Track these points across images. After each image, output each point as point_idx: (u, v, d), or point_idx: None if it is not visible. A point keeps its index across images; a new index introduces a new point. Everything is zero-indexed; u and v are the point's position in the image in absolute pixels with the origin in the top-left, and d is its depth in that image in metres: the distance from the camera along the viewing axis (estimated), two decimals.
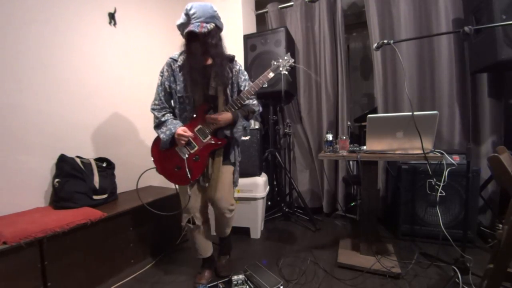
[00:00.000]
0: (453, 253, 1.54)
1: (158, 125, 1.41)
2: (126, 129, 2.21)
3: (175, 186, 1.48)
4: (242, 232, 2.13)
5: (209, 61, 1.38)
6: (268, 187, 2.29)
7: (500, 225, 0.99)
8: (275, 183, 2.65)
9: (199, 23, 1.25)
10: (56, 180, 1.58)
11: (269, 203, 2.62)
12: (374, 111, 2.43)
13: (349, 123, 2.47)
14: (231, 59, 1.45)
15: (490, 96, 1.96)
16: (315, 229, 2.24)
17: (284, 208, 2.51)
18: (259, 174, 2.19)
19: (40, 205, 1.61)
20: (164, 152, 1.41)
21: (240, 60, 2.48)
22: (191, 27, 1.24)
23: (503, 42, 1.57)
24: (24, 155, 1.53)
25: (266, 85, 2.33)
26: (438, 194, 1.50)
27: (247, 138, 2.19)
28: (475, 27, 1.43)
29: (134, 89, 2.26)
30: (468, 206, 1.44)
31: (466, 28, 1.34)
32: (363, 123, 2.57)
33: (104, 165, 1.86)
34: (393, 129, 1.47)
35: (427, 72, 2.21)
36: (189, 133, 1.34)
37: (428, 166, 1.47)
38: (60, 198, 1.56)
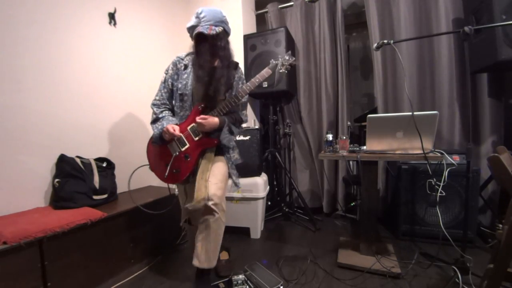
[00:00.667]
0: (453, 253, 1.54)
1: (155, 120, 1.43)
2: (126, 129, 2.21)
3: (174, 186, 1.49)
4: (242, 232, 2.14)
5: (216, 63, 1.40)
6: (268, 187, 2.29)
7: (500, 225, 0.98)
8: (275, 183, 2.65)
9: (208, 26, 1.30)
10: (56, 180, 1.58)
11: (269, 203, 2.62)
12: (374, 111, 2.43)
13: (349, 123, 2.47)
14: (236, 65, 1.49)
15: (490, 96, 1.96)
16: (315, 229, 2.24)
17: (284, 208, 2.51)
18: (259, 174, 2.19)
19: (40, 205, 1.61)
20: (158, 149, 1.43)
21: (240, 60, 2.50)
22: (200, 29, 1.29)
23: (503, 42, 1.57)
24: (24, 155, 1.53)
25: (266, 85, 2.36)
26: (438, 194, 1.50)
27: (247, 138, 2.19)
28: (475, 27, 1.43)
29: (134, 89, 2.26)
30: (468, 206, 1.44)
31: (466, 28, 1.34)
32: (363, 123, 2.57)
33: (104, 165, 1.86)
34: (393, 129, 1.48)
35: (427, 72, 2.21)
36: (175, 132, 1.32)
37: (428, 166, 1.47)
38: (60, 198, 1.56)
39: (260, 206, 2.12)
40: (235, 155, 1.53)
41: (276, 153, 2.50)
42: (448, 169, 1.50)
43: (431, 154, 1.42)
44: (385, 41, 1.58)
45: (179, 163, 1.38)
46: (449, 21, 2.08)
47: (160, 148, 1.42)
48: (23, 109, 1.53)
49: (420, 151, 1.41)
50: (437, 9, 2.12)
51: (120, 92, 2.15)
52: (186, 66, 1.42)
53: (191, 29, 1.36)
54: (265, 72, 1.38)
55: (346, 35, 2.74)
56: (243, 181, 2.06)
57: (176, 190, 1.45)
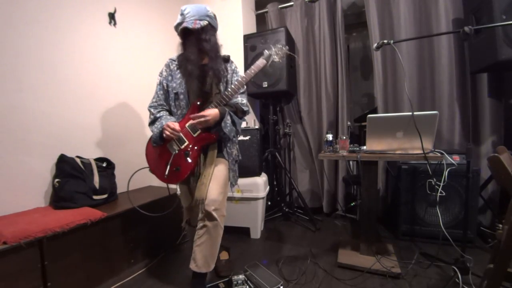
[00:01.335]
0: (453, 253, 1.54)
1: (153, 121, 1.43)
2: (126, 129, 2.21)
3: (175, 186, 1.48)
4: (242, 232, 2.14)
5: (206, 60, 1.39)
6: (268, 187, 2.29)
7: (500, 225, 0.98)
8: (275, 183, 2.65)
9: (192, 20, 1.30)
10: (56, 180, 1.58)
11: (269, 203, 2.62)
12: (374, 111, 2.43)
13: (349, 123, 2.47)
14: (227, 59, 1.48)
15: (490, 96, 1.96)
16: (315, 229, 2.24)
17: (284, 208, 2.51)
18: (259, 174, 2.19)
19: (40, 205, 1.61)
20: (157, 150, 1.43)
21: (240, 60, 2.51)
22: (184, 24, 1.30)
23: (503, 42, 1.56)
24: (24, 155, 1.53)
25: (266, 85, 2.36)
26: (438, 194, 1.50)
27: (247, 138, 2.19)
28: (475, 27, 1.43)
29: (134, 89, 2.26)
30: (468, 206, 1.44)
31: (466, 28, 1.34)
32: (363, 123, 2.57)
33: (104, 165, 1.86)
34: (393, 129, 1.47)
35: (427, 72, 2.21)
36: (175, 127, 1.31)
37: (428, 166, 1.47)
38: (60, 198, 1.56)
39: (260, 206, 2.12)
40: (234, 150, 1.51)
41: (276, 153, 2.50)
42: (448, 169, 1.50)
43: (431, 154, 1.42)
44: (385, 41, 1.57)
45: (179, 161, 1.37)
46: (449, 21, 2.08)
47: (160, 148, 1.42)
48: (23, 109, 1.53)
49: (420, 151, 1.41)
50: (437, 9, 2.12)
51: (120, 92, 2.15)
52: (179, 66, 1.43)
53: (177, 27, 1.37)
54: (260, 62, 1.37)
55: (346, 35, 2.74)
56: (243, 181, 2.07)
57: (178, 190, 1.45)
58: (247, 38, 2.50)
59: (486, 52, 1.67)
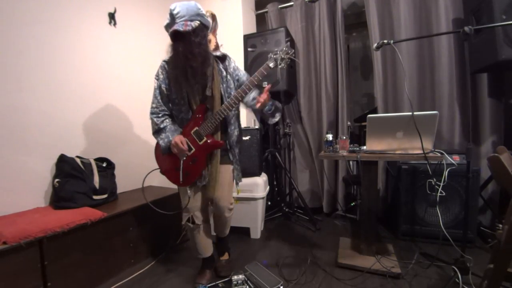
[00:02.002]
0: (453, 253, 1.54)
1: (157, 131, 1.40)
2: (126, 129, 2.21)
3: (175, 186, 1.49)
4: (242, 232, 2.14)
5: (197, 62, 1.34)
6: (268, 187, 2.29)
7: (500, 225, 0.98)
8: (275, 183, 2.65)
9: (183, 22, 1.23)
10: (56, 180, 1.58)
11: (269, 203, 2.62)
12: (374, 111, 2.43)
13: (349, 123, 2.47)
14: (223, 57, 1.44)
15: (490, 96, 1.96)
16: (315, 229, 2.24)
17: (284, 208, 2.51)
18: (259, 174, 2.19)
19: (40, 205, 1.61)
20: (167, 155, 1.42)
21: (240, 60, 2.50)
22: (175, 27, 1.23)
23: (503, 42, 1.56)
24: (24, 155, 1.53)
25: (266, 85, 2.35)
26: (438, 194, 1.50)
27: (247, 138, 2.19)
28: (475, 27, 1.43)
29: (134, 89, 2.27)
30: (468, 206, 1.44)
31: (466, 28, 1.34)
32: (363, 123, 2.57)
33: (104, 165, 1.86)
34: (393, 129, 1.47)
35: (427, 72, 2.21)
36: (183, 146, 1.32)
37: (428, 166, 1.47)
38: (60, 198, 1.56)
39: (260, 206, 2.12)
40: (237, 150, 1.54)
41: (276, 153, 2.50)
42: (448, 169, 1.50)
43: (431, 154, 1.42)
44: (385, 41, 1.57)
45: (188, 167, 1.39)
46: (449, 21, 2.08)
47: (169, 154, 1.41)
48: (23, 109, 1.53)
49: (420, 151, 1.41)
50: (437, 9, 2.12)
51: (120, 92, 2.15)
52: (172, 74, 1.36)
53: (167, 28, 1.30)
54: (264, 69, 1.32)
55: (346, 35, 2.74)
56: (243, 181, 2.05)
57: (188, 191, 1.46)
58: (247, 38, 2.50)
59: (486, 52, 1.67)
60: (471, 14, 1.82)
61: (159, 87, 1.41)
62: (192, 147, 1.38)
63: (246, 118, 2.61)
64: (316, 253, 1.81)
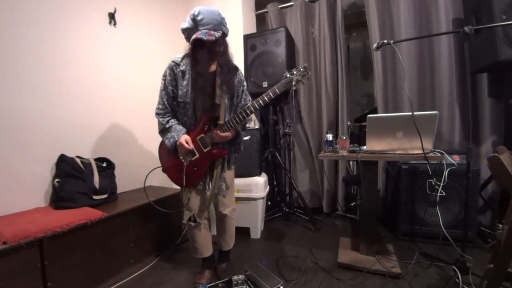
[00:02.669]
0: (453, 253, 1.54)
1: (163, 131, 1.42)
2: (126, 129, 2.21)
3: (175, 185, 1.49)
4: (242, 232, 2.13)
5: (213, 68, 1.37)
6: (268, 187, 2.29)
7: (500, 225, 0.98)
8: (275, 183, 2.65)
9: (206, 31, 1.23)
10: (56, 180, 1.58)
11: (269, 203, 2.62)
12: (374, 111, 2.43)
13: (349, 123, 2.47)
14: (236, 69, 1.45)
15: (490, 96, 1.96)
16: (315, 229, 2.24)
17: (284, 208, 2.51)
18: (259, 174, 2.19)
19: (40, 205, 1.61)
20: (171, 155, 1.44)
21: (240, 60, 2.50)
22: (198, 35, 1.22)
23: (503, 42, 1.56)
24: (24, 155, 1.53)
25: (266, 85, 2.35)
26: (438, 194, 1.50)
27: (247, 138, 2.19)
28: (475, 27, 1.43)
29: (134, 89, 2.27)
30: (468, 206, 1.44)
31: (466, 28, 1.34)
32: (363, 123, 2.57)
33: (104, 165, 1.86)
34: (393, 129, 1.48)
35: (427, 72, 2.21)
36: (190, 146, 1.34)
37: (428, 166, 1.47)
38: (60, 198, 1.56)
39: (260, 206, 2.12)
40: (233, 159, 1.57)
41: (276, 153, 2.50)
42: (448, 169, 1.50)
43: (431, 154, 1.42)
44: (385, 41, 1.57)
45: (190, 171, 1.40)
46: (449, 21, 2.08)
47: (174, 155, 1.43)
48: (23, 109, 1.53)
49: (420, 151, 1.41)
50: (437, 9, 2.12)
51: (120, 92, 2.15)
52: (184, 72, 1.34)
53: (186, 31, 1.29)
54: (278, 88, 1.31)
55: (346, 35, 2.74)
56: (243, 181, 2.07)
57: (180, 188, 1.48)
58: (247, 38, 2.50)
59: (486, 52, 1.67)
60: (471, 14, 1.82)
61: (166, 88, 1.39)
62: (197, 153, 1.39)
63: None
64: (316, 253, 1.81)
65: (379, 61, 2.32)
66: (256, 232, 2.13)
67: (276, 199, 2.66)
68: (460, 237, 1.49)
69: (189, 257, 1.80)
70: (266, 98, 1.31)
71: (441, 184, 1.48)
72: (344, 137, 1.65)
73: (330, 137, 1.77)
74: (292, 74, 1.31)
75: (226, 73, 1.33)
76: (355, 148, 1.71)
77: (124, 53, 2.18)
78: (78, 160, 1.69)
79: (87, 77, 1.89)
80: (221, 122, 1.37)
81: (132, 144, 2.24)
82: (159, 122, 1.42)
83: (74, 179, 1.61)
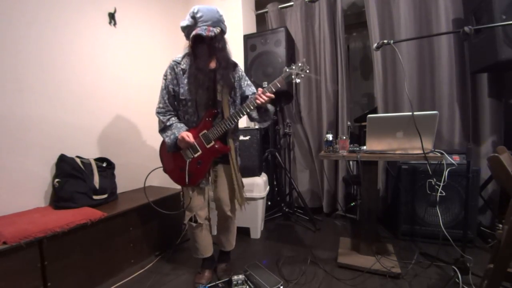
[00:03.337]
0: (453, 253, 1.54)
1: (163, 129, 1.42)
2: (126, 129, 2.21)
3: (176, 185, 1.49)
4: (242, 232, 2.13)
5: (213, 65, 1.37)
6: (268, 187, 2.29)
7: (500, 225, 0.99)
8: (275, 183, 2.65)
9: (206, 27, 1.26)
10: (56, 180, 1.58)
11: (269, 203, 2.62)
12: (374, 111, 2.43)
13: (349, 123, 2.47)
14: (235, 65, 1.46)
15: (490, 96, 1.96)
16: (315, 229, 2.24)
17: (284, 208, 2.51)
18: (259, 174, 2.19)
19: (40, 205, 1.61)
20: (171, 154, 1.44)
21: (240, 60, 2.50)
22: (198, 31, 1.25)
23: (503, 42, 1.56)
24: (24, 155, 1.53)
25: (266, 85, 2.35)
26: (438, 194, 1.50)
27: (247, 138, 2.19)
28: (475, 27, 1.43)
29: (134, 89, 2.26)
30: (468, 206, 1.44)
31: (466, 28, 1.34)
32: (363, 123, 2.57)
33: (104, 165, 1.86)
34: (393, 129, 1.48)
35: (427, 72, 2.21)
36: (190, 140, 1.33)
37: (428, 166, 1.47)
38: (60, 198, 1.56)
39: (260, 206, 2.12)
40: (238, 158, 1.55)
41: (276, 153, 2.50)
42: (448, 169, 1.50)
43: (431, 154, 1.42)
44: (385, 41, 1.57)
45: (193, 168, 1.40)
46: (449, 21, 2.08)
47: (173, 153, 1.42)
48: (23, 109, 1.53)
49: (420, 151, 1.41)
50: (437, 9, 2.12)
51: (120, 92, 2.15)
52: (185, 71, 1.37)
53: (186, 29, 1.32)
54: (279, 81, 1.31)
55: (346, 35, 2.73)
56: (243, 181, 2.06)
57: (190, 192, 1.48)
58: (247, 38, 2.50)
59: (486, 52, 1.67)
60: (471, 14, 1.82)
61: (167, 87, 1.41)
62: (199, 149, 1.39)
63: (246, 118, 2.61)
64: (316, 253, 1.81)
65: (379, 61, 2.32)
66: (256, 232, 2.13)
67: (276, 199, 2.66)
68: (460, 237, 1.49)
69: (189, 257, 1.80)
70: (272, 88, 1.31)
71: (441, 184, 1.48)
72: (344, 137, 1.65)
73: (330, 137, 1.77)
74: (291, 68, 1.34)
75: (224, 68, 1.35)
76: (355, 148, 1.71)
77: (124, 53, 2.18)
78: (78, 160, 1.69)
79: (87, 77, 1.89)
80: (226, 116, 1.37)
81: (132, 144, 2.24)
82: (159, 120, 1.43)
83: (74, 179, 1.61)
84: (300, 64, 1.34)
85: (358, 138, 2.80)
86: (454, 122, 2.10)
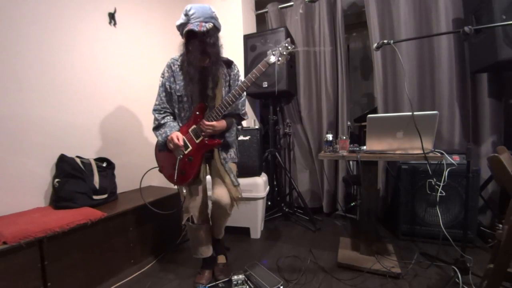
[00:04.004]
0: (453, 253, 1.54)
1: (157, 127, 1.43)
2: (126, 129, 2.21)
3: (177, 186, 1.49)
4: (242, 232, 2.14)
5: (207, 62, 1.38)
6: (268, 187, 2.29)
7: (500, 225, 0.99)
8: (275, 183, 2.65)
9: (198, 23, 1.28)
10: (56, 180, 1.58)
11: (269, 203, 2.62)
12: (374, 111, 2.44)
13: (349, 123, 2.47)
14: (229, 63, 1.47)
15: (490, 96, 1.96)
16: (315, 229, 2.24)
17: (284, 208, 2.51)
18: (259, 174, 2.19)
19: (40, 205, 1.61)
20: (165, 153, 1.44)
21: (240, 60, 2.50)
22: (190, 26, 1.27)
23: (503, 42, 1.56)
24: (24, 155, 1.53)
25: (266, 85, 2.36)
26: (438, 194, 1.50)
27: (247, 138, 2.19)
28: (475, 27, 1.43)
29: (134, 89, 2.26)
30: (468, 206, 1.44)
31: (466, 28, 1.34)
32: (363, 123, 2.57)
33: (104, 165, 1.86)
34: (393, 129, 1.47)
35: (427, 72, 2.21)
36: (179, 141, 1.34)
37: (428, 166, 1.47)
38: (60, 198, 1.56)
39: (260, 206, 2.12)
40: (232, 153, 1.54)
41: (276, 153, 2.50)
42: (448, 169, 1.50)
43: (431, 154, 1.42)
44: (385, 41, 1.57)
45: (184, 166, 1.40)
46: (449, 21, 2.08)
47: (167, 152, 1.43)
48: (23, 109, 1.53)
49: (420, 151, 1.41)
50: (437, 9, 2.12)
51: (120, 92, 2.15)
52: (181, 66, 1.41)
53: (180, 27, 1.35)
54: (262, 65, 1.31)
55: (346, 35, 2.74)
56: (243, 181, 2.06)
57: (178, 188, 1.47)
58: (247, 38, 2.50)
59: (486, 52, 1.67)
60: (471, 14, 1.82)
61: (163, 85, 1.44)
62: (189, 145, 1.39)
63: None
64: (316, 253, 1.81)
65: (379, 61, 2.32)
66: (256, 232, 2.13)
67: (276, 199, 2.66)
68: (460, 237, 1.48)
69: (189, 257, 1.80)
70: (252, 77, 1.30)
71: (441, 184, 1.48)
72: (344, 137, 1.65)
73: (330, 137, 1.77)
74: (274, 49, 1.32)
75: (214, 63, 1.35)
76: (355, 148, 1.71)
77: (124, 53, 2.18)
78: (78, 160, 1.69)
79: (87, 77, 1.89)
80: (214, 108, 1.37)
81: (132, 144, 2.24)
82: (154, 118, 1.45)
83: (74, 179, 1.61)
84: (285, 44, 1.32)
85: (358, 138, 2.81)
86: (454, 122, 2.10)
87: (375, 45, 1.63)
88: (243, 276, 1.45)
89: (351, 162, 2.66)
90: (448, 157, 1.47)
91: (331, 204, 2.62)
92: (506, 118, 1.94)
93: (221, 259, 1.65)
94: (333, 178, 2.60)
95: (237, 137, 1.59)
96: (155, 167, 1.50)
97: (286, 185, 2.74)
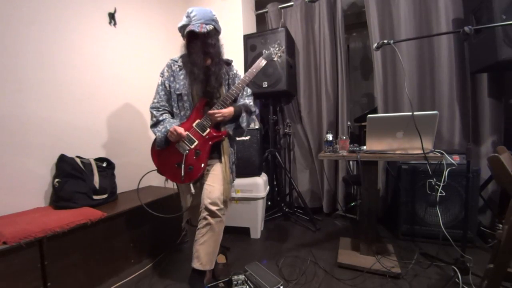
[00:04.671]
0: (453, 253, 1.54)
1: (155, 123, 1.42)
2: (126, 129, 2.21)
3: (175, 186, 1.48)
4: (242, 232, 2.14)
5: (209, 62, 1.40)
6: (268, 187, 2.29)
7: (500, 225, 0.99)
8: (275, 183, 2.65)
9: (199, 24, 1.32)
10: (56, 180, 1.58)
11: (269, 203, 2.62)
12: (374, 111, 2.43)
13: (349, 123, 2.47)
14: (229, 63, 1.52)
15: (490, 96, 1.96)
16: (315, 229, 2.24)
17: (284, 208, 2.51)
18: (259, 174, 2.19)
19: (40, 205, 1.61)
20: (165, 151, 1.41)
21: (240, 60, 2.50)
22: (191, 27, 1.31)
23: (503, 42, 1.56)
24: (24, 155, 1.53)
25: (266, 85, 2.36)
26: (438, 194, 1.50)
27: (247, 138, 2.20)
28: (475, 27, 1.43)
29: (134, 89, 2.26)
30: (468, 206, 1.44)
31: (466, 28, 1.34)
32: (363, 123, 2.57)
33: (104, 165, 1.86)
34: (393, 129, 1.48)
35: (427, 72, 2.21)
36: (181, 131, 1.33)
37: (428, 166, 1.47)
38: (60, 198, 1.56)
39: (260, 206, 2.12)
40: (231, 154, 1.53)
41: (276, 153, 2.50)
42: (448, 169, 1.50)
43: (431, 154, 1.42)
44: (385, 41, 1.57)
45: (192, 161, 1.38)
46: (449, 21, 2.08)
47: (168, 150, 1.40)
48: (23, 109, 1.53)
49: (420, 151, 1.41)
50: (437, 9, 2.12)
51: (120, 92, 2.15)
52: (181, 67, 1.44)
53: (182, 29, 1.39)
54: (260, 61, 1.42)
55: (346, 35, 2.74)
56: (243, 181, 2.07)
57: (176, 189, 1.45)
58: (247, 38, 2.50)
59: (486, 52, 1.67)
60: (471, 14, 1.82)
61: (163, 83, 1.45)
62: (195, 140, 1.38)
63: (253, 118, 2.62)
64: (316, 253, 1.81)
65: (379, 61, 2.32)
66: (256, 232, 2.13)
67: (276, 199, 2.66)
68: (460, 237, 1.48)
69: (189, 257, 1.80)
70: (254, 71, 1.41)
71: (441, 184, 1.48)
72: (344, 137, 1.65)
73: (330, 137, 1.77)
74: (268, 49, 1.50)
75: (216, 63, 1.40)
76: (355, 148, 1.71)
77: (124, 53, 2.18)
78: (78, 160, 1.69)
79: (87, 77, 1.89)
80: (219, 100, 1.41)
81: (132, 144, 2.24)
82: (152, 115, 1.43)
83: (74, 179, 1.61)
84: (276, 46, 1.50)
85: (358, 138, 2.80)
86: (454, 122, 2.10)
87: (375, 45, 1.63)
88: (243, 276, 1.45)
89: (351, 162, 2.66)
90: (448, 157, 1.47)
91: (331, 204, 2.62)
92: (506, 118, 1.94)
93: (221, 259, 1.65)
94: (333, 178, 2.60)
95: (247, 126, 1.55)
96: (154, 170, 1.47)
97: (286, 185, 2.74)
